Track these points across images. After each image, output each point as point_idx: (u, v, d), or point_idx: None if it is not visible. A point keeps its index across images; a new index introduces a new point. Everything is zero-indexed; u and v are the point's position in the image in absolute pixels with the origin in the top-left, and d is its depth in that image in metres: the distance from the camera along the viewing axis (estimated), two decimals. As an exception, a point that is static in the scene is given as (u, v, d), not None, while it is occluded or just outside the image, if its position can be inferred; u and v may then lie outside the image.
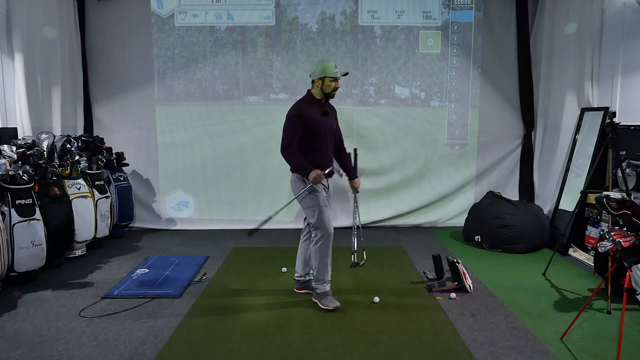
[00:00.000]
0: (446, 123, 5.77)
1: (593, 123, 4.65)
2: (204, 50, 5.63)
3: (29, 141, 4.05)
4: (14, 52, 4.39)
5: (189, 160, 5.76)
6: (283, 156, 3.28)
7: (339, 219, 5.66)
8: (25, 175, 3.76)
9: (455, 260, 3.68)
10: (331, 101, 3.42)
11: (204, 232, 5.59)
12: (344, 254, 4.57)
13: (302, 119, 3.20)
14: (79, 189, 4.41)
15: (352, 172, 3.56)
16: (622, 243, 2.47)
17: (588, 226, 4.49)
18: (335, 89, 3.29)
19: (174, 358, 2.65)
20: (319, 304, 3.34)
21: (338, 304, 3.30)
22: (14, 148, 3.88)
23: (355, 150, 3.63)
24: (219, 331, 2.97)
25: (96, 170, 4.87)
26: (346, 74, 3.35)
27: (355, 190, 3.58)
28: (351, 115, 5.67)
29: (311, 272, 3.49)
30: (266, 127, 5.69)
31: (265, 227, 5.65)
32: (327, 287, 3.37)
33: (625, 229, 2.61)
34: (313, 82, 3.31)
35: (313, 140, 3.27)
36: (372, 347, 2.77)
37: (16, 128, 4.40)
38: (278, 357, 2.66)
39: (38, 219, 3.78)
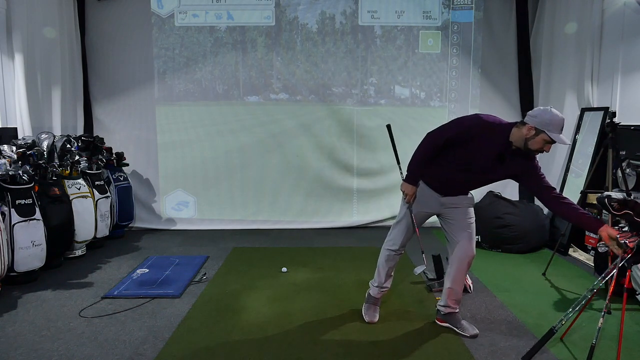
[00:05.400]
0: (446, 123, 5.76)
1: (593, 123, 4.65)
2: (204, 50, 5.63)
3: (29, 141, 4.05)
4: (14, 52, 4.39)
5: (189, 160, 5.76)
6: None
7: (337, 220, 5.69)
8: (25, 175, 3.75)
9: (455, 260, 3.67)
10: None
11: (204, 232, 5.58)
12: (347, 254, 4.58)
13: (462, 135, 2.66)
14: (79, 189, 4.41)
15: (594, 222, 2.55)
16: (628, 244, 2.45)
17: (588, 226, 4.49)
18: (541, 151, 2.59)
19: (174, 358, 2.65)
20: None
21: (375, 319, 3.08)
22: (14, 148, 3.88)
23: (388, 126, 3.42)
24: (219, 331, 2.97)
25: (96, 170, 4.87)
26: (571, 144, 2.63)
27: None
28: (351, 115, 5.65)
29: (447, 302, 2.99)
30: (266, 127, 5.69)
31: (265, 227, 5.74)
32: (375, 291, 3.17)
33: (626, 229, 2.61)
34: (524, 123, 2.61)
35: (457, 163, 2.74)
36: (372, 347, 2.77)
37: (16, 128, 4.40)
38: (278, 357, 2.66)
39: (38, 219, 3.77)
